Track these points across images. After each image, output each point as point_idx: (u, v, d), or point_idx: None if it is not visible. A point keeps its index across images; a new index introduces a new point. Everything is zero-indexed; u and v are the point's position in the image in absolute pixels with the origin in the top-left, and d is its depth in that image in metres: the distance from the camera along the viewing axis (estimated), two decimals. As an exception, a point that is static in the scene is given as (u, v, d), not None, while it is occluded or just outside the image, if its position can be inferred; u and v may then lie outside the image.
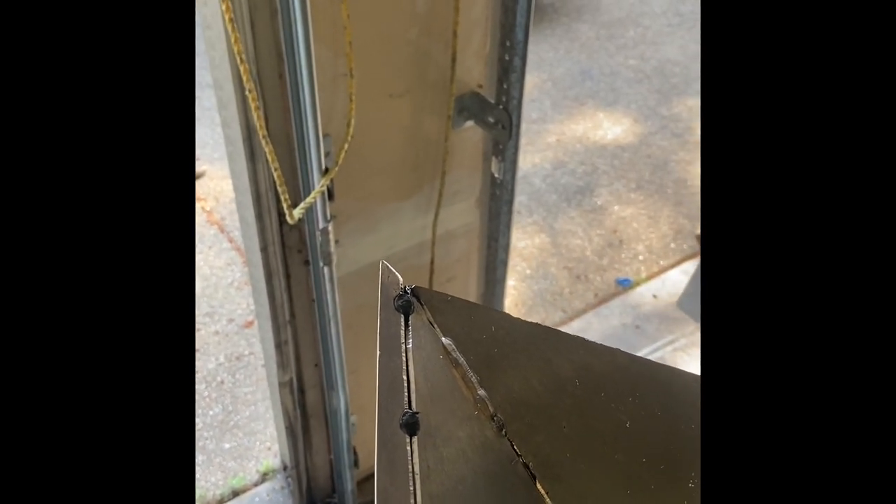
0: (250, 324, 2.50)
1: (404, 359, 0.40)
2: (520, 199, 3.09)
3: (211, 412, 2.20)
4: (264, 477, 2.01)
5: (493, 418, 0.41)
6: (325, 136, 1.26)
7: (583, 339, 0.46)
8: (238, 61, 0.96)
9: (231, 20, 0.94)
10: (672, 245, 2.90)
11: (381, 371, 0.40)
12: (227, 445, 2.10)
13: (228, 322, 2.49)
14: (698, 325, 2.55)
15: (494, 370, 0.42)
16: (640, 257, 2.86)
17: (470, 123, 1.51)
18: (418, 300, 0.42)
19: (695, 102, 3.75)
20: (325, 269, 1.34)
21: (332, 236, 1.30)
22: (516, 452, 0.41)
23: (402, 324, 0.41)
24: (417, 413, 0.38)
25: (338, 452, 1.76)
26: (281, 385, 1.62)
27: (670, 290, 2.68)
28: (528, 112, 3.72)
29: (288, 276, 1.44)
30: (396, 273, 0.42)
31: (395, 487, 0.36)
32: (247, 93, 1.00)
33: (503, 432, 0.41)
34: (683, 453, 0.45)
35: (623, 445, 0.44)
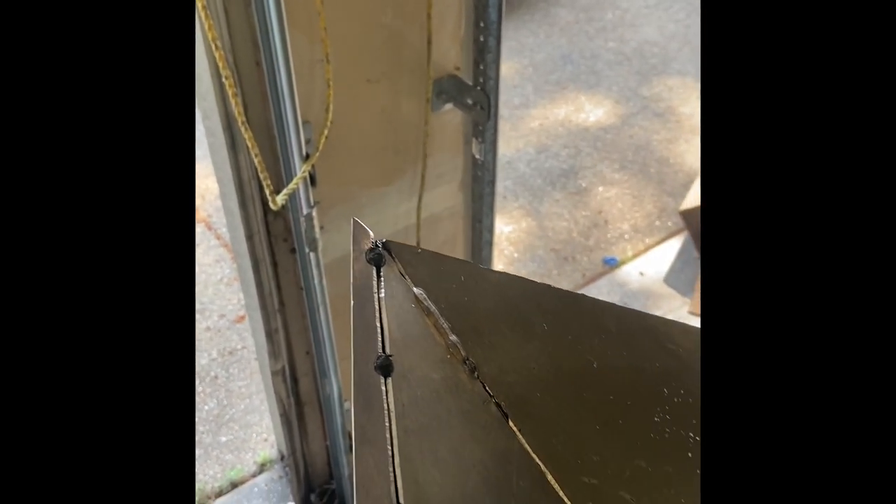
0: (241, 318, 2.51)
1: (377, 307, 0.42)
2: (505, 185, 3.11)
3: (206, 407, 2.21)
4: (262, 468, 2.03)
5: (465, 362, 0.43)
6: (304, 122, 1.27)
7: (548, 286, 0.48)
8: (213, 48, 0.97)
9: (204, 7, 0.95)
10: (657, 223, 2.94)
11: (355, 318, 0.41)
12: (223, 439, 2.12)
13: (220, 318, 2.50)
14: (685, 299, 2.59)
15: (465, 317, 0.45)
16: (626, 236, 2.89)
17: (449, 106, 1.52)
18: (389, 253, 0.44)
19: (674, 82, 3.78)
20: (312, 255, 1.36)
21: (316, 222, 1.32)
22: (489, 393, 0.43)
23: (374, 275, 0.42)
24: (391, 356, 0.40)
25: (333, 438, 1.78)
26: (274, 374, 1.63)
27: (657, 266, 2.71)
28: (511, 98, 3.74)
29: (275, 265, 1.45)
30: (367, 228, 0.44)
31: (371, 424, 0.38)
32: (224, 79, 1.01)
33: (475, 375, 0.43)
34: (648, 389, 0.47)
35: (591, 384, 0.46)
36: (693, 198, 2.70)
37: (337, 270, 1.50)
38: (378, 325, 0.41)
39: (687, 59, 3.97)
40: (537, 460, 0.43)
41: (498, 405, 0.43)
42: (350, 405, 1.72)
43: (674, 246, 2.79)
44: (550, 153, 3.37)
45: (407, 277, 0.44)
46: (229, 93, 1.04)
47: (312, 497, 1.92)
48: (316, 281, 1.42)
